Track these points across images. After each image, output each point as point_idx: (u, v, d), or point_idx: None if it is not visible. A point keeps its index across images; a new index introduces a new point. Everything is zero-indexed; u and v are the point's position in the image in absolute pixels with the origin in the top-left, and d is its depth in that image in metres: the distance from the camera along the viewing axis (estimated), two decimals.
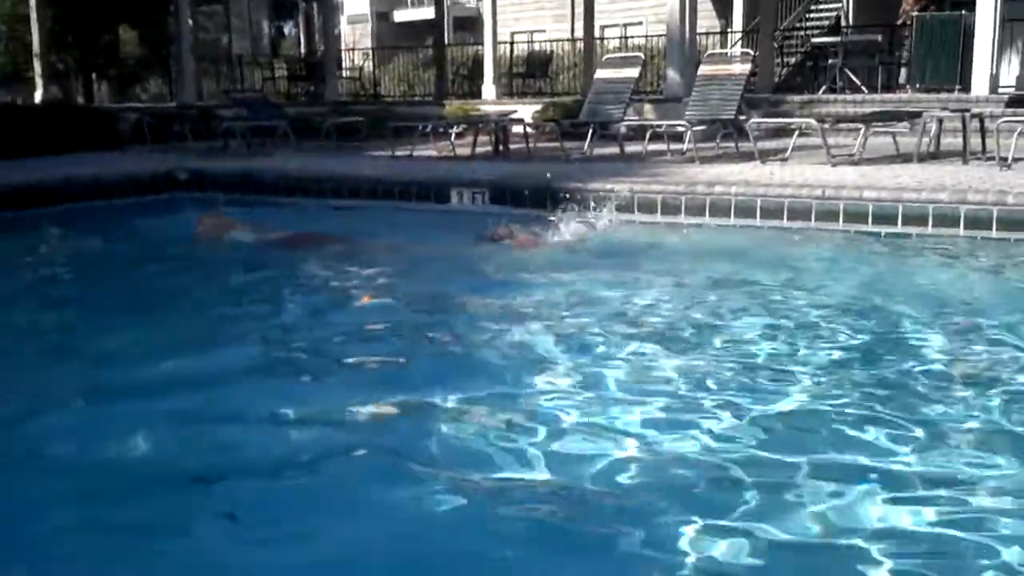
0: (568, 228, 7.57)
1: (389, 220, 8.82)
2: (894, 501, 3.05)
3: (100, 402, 4.11)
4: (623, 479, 3.29)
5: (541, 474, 3.34)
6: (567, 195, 8.36)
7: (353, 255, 7.39)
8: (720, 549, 2.81)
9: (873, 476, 3.21)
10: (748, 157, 9.89)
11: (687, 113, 11.05)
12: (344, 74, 23.66)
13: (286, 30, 35.83)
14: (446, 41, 24.46)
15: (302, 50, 29.01)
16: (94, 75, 22.24)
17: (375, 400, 4.12)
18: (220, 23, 26.88)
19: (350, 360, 4.84)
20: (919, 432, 3.56)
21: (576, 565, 2.83)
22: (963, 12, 14.49)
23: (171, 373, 4.45)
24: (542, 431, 3.65)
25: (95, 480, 3.34)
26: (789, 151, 10.11)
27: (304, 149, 12.58)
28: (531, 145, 11.85)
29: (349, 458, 3.57)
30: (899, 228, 7.10)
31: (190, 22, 18.46)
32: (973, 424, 3.66)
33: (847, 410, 3.80)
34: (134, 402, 4.05)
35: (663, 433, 3.64)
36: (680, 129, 10.80)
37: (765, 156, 9.83)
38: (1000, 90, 13.24)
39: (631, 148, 10.94)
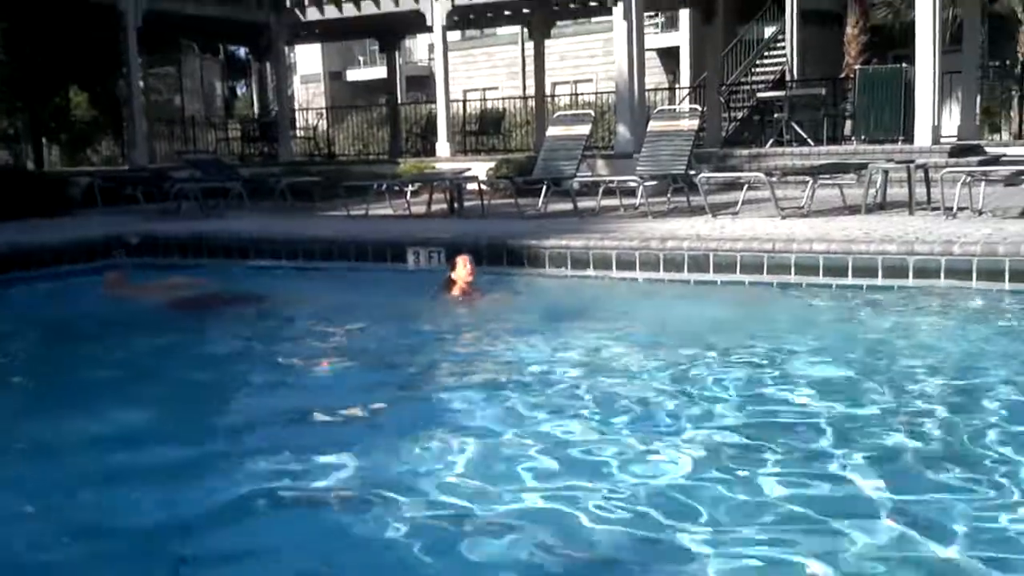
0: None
1: (344, 281, 8.83)
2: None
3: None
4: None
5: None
6: (521, 252, 8.43)
7: (267, 314, 7.43)
8: None
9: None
10: (700, 211, 10.02)
11: (638, 168, 11.19)
12: (298, 134, 23.71)
13: (239, 90, 35.86)
14: (399, 100, 24.68)
15: (256, 110, 29.00)
16: (44, 138, 22.03)
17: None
18: (172, 84, 26.81)
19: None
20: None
21: None
22: (903, 65, 14.87)
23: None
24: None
25: None
26: (739, 205, 10.26)
27: (258, 210, 12.54)
28: (486, 202, 11.91)
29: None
30: (849, 280, 7.20)
31: (141, 84, 18.41)
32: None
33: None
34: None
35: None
36: (632, 184, 10.93)
37: (716, 210, 9.96)
38: (942, 140, 13.56)
39: (584, 203, 11.04)
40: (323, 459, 4.06)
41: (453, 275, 7.44)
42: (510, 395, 4.99)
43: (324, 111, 27.05)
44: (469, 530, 3.40)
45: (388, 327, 6.93)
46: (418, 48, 33.32)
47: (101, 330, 7.16)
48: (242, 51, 30.19)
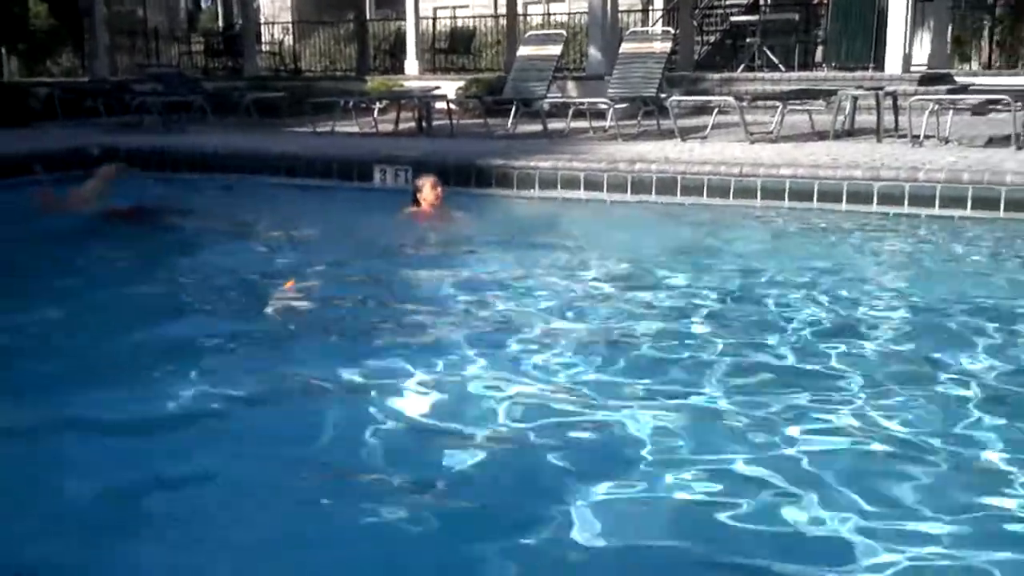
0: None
1: (309, 197, 8.76)
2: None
3: None
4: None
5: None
6: (489, 172, 8.39)
7: (202, 231, 7.39)
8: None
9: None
10: (669, 135, 9.99)
11: (609, 91, 11.11)
12: (264, 49, 23.23)
13: (203, 3, 35.01)
14: (368, 16, 24.19)
15: (220, 24, 28.37)
16: (2, 49, 21.47)
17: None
18: None
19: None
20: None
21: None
22: None
23: None
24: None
25: None
26: (709, 129, 10.23)
27: (222, 125, 12.35)
28: (455, 122, 11.79)
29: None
30: (815, 204, 7.24)
31: None
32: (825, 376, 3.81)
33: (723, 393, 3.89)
34: None
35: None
36: (602, 107, 10.86)
37: (685, 134, 9.94)
38: (913, 69, 13.53)
39: (554, 125, 10.97)
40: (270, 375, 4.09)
41: (420, 196, 7.37)
42: (463, 314, 5.03)
43: (290, 25, 26.49)
44: (428, 449, 3.43)
45: (347, 246, 6.89)
46: None
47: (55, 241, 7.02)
48: None
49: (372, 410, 3.70)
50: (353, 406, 3.79)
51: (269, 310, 5.23)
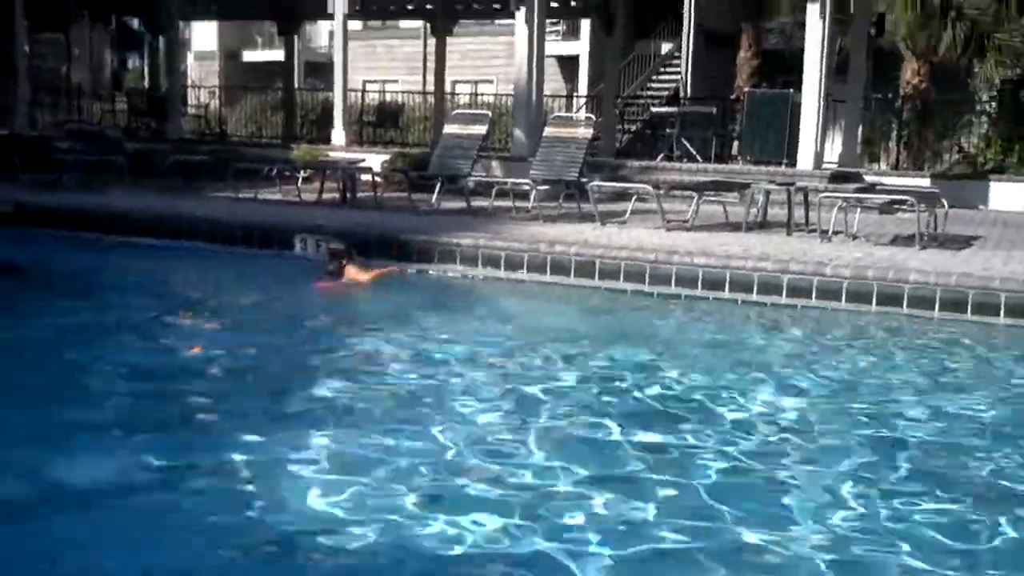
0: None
1: (226, 264, 8.71)
2: None
3: None
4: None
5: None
6: (412, 246, 8.45)
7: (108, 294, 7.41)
8: None
9: None
10: (589, 218, 10.20)
11: (532, 172, 11.32)
12: (189, 111, 23.12)
13: (130, 63, 34.77)
14: (296, 85, 24.30)
15: (146, 84, 28.15)
16: None
17: None
18: (59, 51, 25.81)
19: None
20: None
21: None
22: (791, 90, 15.37)
23: None
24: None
25: None
26: (627, 214, 10.47)
27: (143, 186, 12.20)
28: (379, 194, 11.86)
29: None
30: (726, 294, 7.45)
31: (26, 48, 17.73)
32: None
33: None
34: None
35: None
36: (525, 187, 11.04)
37: (605, 218, 10.15)
38: (824, 166, 14.07)
39: (478, 203, 11.11)
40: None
41: (329, 265, 7.47)
42: (363, 389, 5.10)
43: (217, 90, 26.46)
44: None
45: (257, 313, 6.95)
46: (318, 34, 32.85)
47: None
48: (135, 22, 29.32)
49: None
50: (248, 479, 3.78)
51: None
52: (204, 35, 33.91)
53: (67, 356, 5.62)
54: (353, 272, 7.50)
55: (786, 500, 3.76)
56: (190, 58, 32.62)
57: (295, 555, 3.27)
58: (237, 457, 3.96)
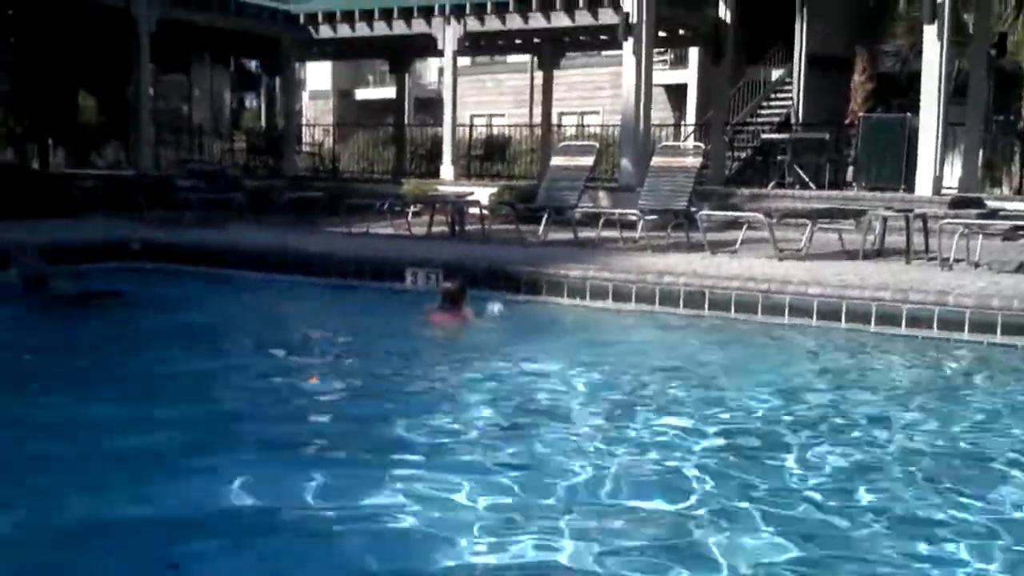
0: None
1: (340, 297, 8.89)
2: None
3: None
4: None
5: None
6: (520, 278, 8.48)
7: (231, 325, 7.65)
8: None
9: None
10: (698, 248, 10.08)
11: (640, 202, 11.26)
12: (304, 149, 23.80)
13: (248, 102, 35.99)
14: (406, 121, 24.80)
15: (263, 123, 29.11)
16: (50, 140, 22.10)
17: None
18: (181, 93, 26.91)
19: None
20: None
21: None
22: (908, 114, 14.99)
23: None
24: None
25: None
26: (738, 244, 10.32)
27: (261, 223, 12.59)
28: (487, 227, 11.97)
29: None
30: (843, 325, 7.24)
31: (151, 91, 18.53)
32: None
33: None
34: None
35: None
36: (633, 218, 10.99)
37: (715, 248, 10.02)
38: (943, 191, 13.66)
39: (585, 234, 11.10)
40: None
41: (446, 299, 7.54)
42: (478, 421, 5.08)
43: (331, 128, 27.17)
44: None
45: (371, 345, 7.03)
46: (428, 71, 33.50)
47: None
48: (253, 63, 30.35)
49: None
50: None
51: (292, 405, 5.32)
52: (318, 75, 34.94)
53: (201, 385, 5.83)
54: (467, 312, 7.57)
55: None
56: (305, 97, 33.63)
57: None
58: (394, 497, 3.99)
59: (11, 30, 19.13)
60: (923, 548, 3.50)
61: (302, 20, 18.85)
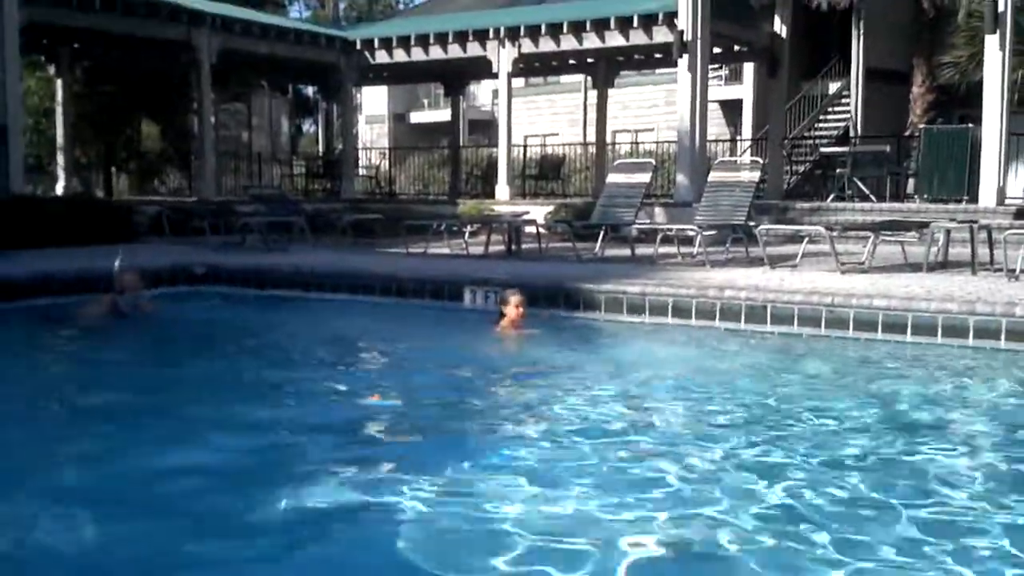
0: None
1: (402, 316, 8.98)
2: None
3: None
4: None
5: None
6: (578, 296, 8.49)
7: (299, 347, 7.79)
8: None
9: None
10: (758, 262, 10.00)
11: (697, 218, 11.21)
12: (361, 172, 24.09)
13: (305, 128, 36.57)
14: (461, 142, 24.98)
15: (320, 148, 29.55)
16: (114, 168, 22.64)
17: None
18: (241, 120, 27.45)
19: None
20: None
21: None
22: (970, 125, 14.77)
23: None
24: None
25: None
26: (799, 257, 10.22)
27: (321, 245, 12.75)
28: (543, 245, 12.00)
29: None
30: (909, 337, 7.13)
31: (212, 119, 18.90)
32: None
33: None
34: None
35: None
36: (690, 233, 10.94)
37: (775, 262, 9.93)
38: (1007, 202, 13.41)
39: (642, 250, 11.07)
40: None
41: (505, 310, 7.60)
42: (538, 434, 5.09)
43: (387, 151, 27.48)
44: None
45: (431, 363, 7.12)
46: (482, 93, 33.75)
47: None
48: (310, 90, 30.86)
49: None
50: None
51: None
52: (374, 99, 35.39)
53: (266, 401, 5.97)
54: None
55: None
56: (361, 121, 34.07)
57: None
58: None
59: (77, 62, 19.65)
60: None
61: (358, 46, 19.10)
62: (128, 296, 8.20)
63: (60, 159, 18.84)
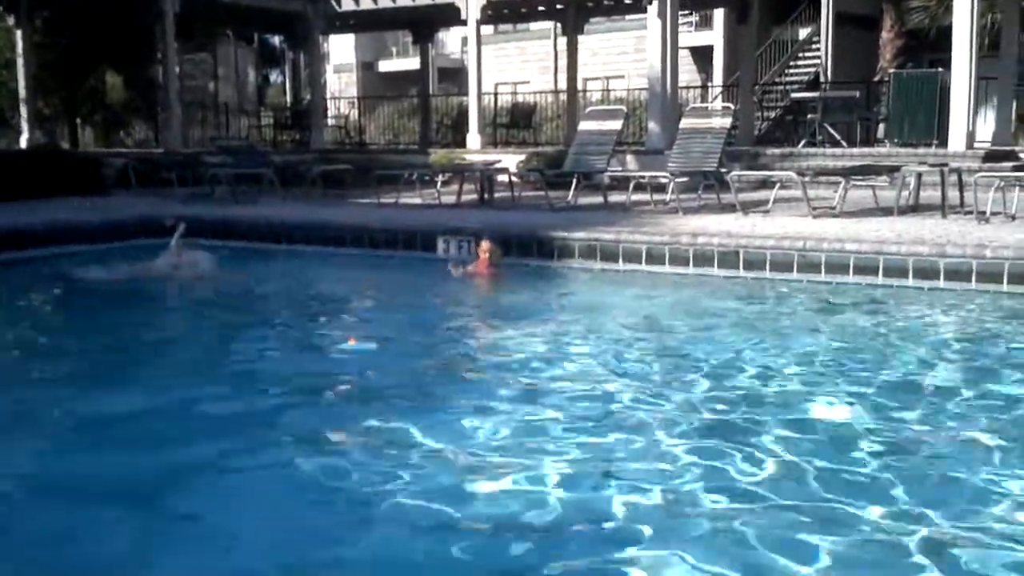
0: None
1: (374, 265, 8.96)
2: None
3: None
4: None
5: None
6: (552, 244, 8.48)
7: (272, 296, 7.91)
8: None
9: None
10: (730, 209, 10.02)
11: (669, 165, 11.20)
12: (330, 122, 23.84)
13: (272, 78, 36.06)
14: (431, 91, 24.73)
15: (288, 98, 29.18)
16: (79, 120, 22.27)
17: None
18: (207, 70, 27.03)
19: None
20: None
21: None
22: (939, 69, 14.80)
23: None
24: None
25: None
26: (771, 203, 10.25)
27: (290, 196, 12.64)
28: (516, 194, 11.96)
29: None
30: (879, 280, 7.20)
31: (177, 69, 18.58)
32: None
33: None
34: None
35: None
36: (663, 180, 10.93)
37: (747, 208, 9.96)
38: (976, 146, 13.48)
39: (614, 198, 11.06)
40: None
41: (479, 252, 7.79)
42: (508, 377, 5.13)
43: (356, 101, 27.18)
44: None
45: (404, 308, 7.28)
46: (451, 40, 33.38)
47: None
48: (276, 40, 30.40)
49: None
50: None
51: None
52: (341, 48, 34.90)
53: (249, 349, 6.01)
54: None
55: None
56: (329, 70, 33.64)
57: None
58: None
59: (36, 11, 19.22)
60: None
61: None
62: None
63: (23, 111, 18.46)
